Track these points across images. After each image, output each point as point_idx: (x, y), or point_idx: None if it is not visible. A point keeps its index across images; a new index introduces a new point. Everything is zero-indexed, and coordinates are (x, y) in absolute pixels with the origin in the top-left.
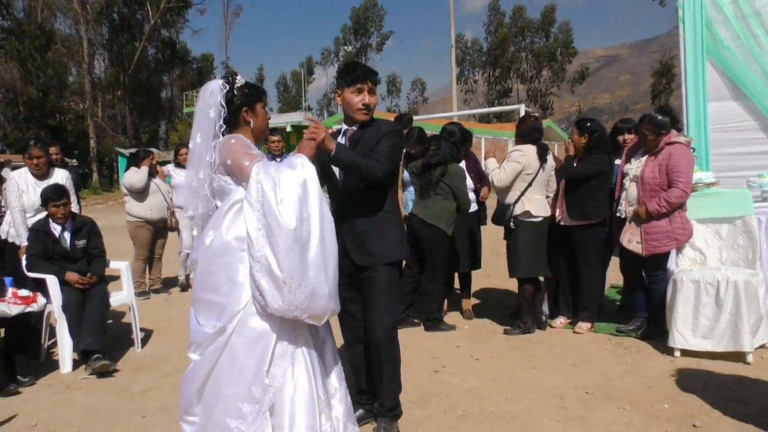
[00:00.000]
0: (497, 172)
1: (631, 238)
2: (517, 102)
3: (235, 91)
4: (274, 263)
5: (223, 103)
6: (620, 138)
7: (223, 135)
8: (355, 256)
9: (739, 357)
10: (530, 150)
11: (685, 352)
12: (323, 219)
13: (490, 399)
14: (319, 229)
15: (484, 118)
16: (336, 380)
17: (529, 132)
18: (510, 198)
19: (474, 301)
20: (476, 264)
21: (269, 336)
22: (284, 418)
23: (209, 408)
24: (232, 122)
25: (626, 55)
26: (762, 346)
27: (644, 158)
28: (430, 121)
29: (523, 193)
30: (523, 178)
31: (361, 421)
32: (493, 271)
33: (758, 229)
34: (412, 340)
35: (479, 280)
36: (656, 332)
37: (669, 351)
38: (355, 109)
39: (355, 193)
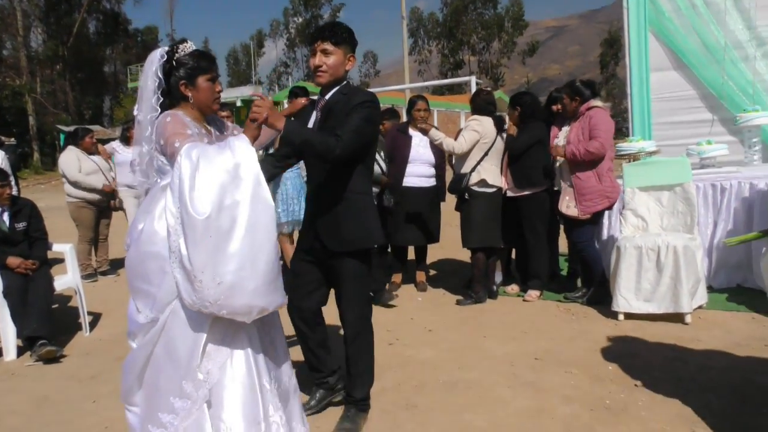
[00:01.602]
0: (459, 140)
1: (569, 204)
2: (469, 74)
3: (174, 62)
4: (185, 255)
5: (160, 75)
6: (554, 107)
7: (163, 110)
8: (326, 241)
9: (678, 318)
10: (487, 120)
11: (629, 315)
12: (256, 207)
13: (443, 369)
14: (248, 218)
15: (437, 90)
16: (286, 375)
17: (483, 106)
18: (466, 167)
19: (430, 273)
20: (433, 238)
21: (200, 330)
22: (222, 411)
23: (148, 398)
24: (172, 96)
25: (575, 26)
26: (700, 307)
27: (568, 127)
28: (382, 94)
29: (479, 162)
30: (480, 147)
31: (323, 400)
32: (448, 242)
33: (696, 195)
34: None
35: (433, 252)
36: (600, 297)
37: (613, 315)
38: (313, 73)
39: (321, 173)
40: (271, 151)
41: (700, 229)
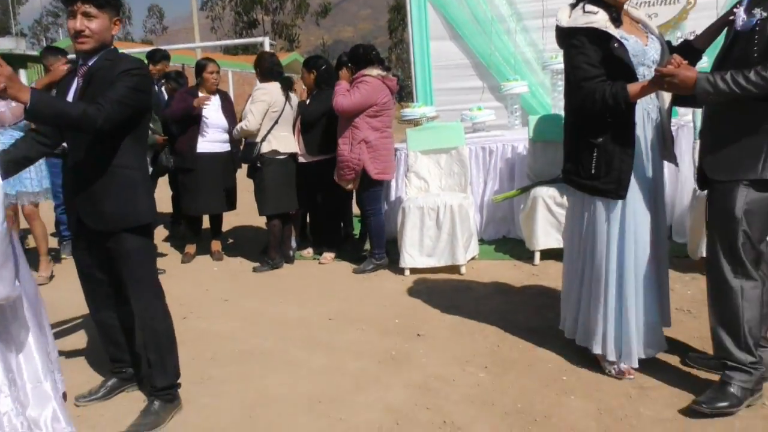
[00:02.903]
0: (248, 117)
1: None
2: (264, 34)
3: None
4: None
5: None
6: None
7: None
8: (87, 220)
9: (455, 270)
10: (273, 87)
11: (414, 270)
12: None
13: (239, 339)
14: None
15: (232, 50)
16: (31, 374)
17: (270, 68)
18: (256, 136)
19: (226, 241)
20: (230, 205)
21: None
22: None
23: None
24: None
25: None
26: (473, 258)
27: None
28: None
29: (269, 131)
30: (269, 116)
31: (114, 390)
32: (244, 209)
33: (469, 157)
34: None
35: (229, 219)
36: (388, 260)
37: (401, 271)
38: (73, 39)
39: (81, 146)
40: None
41: (472, 188)
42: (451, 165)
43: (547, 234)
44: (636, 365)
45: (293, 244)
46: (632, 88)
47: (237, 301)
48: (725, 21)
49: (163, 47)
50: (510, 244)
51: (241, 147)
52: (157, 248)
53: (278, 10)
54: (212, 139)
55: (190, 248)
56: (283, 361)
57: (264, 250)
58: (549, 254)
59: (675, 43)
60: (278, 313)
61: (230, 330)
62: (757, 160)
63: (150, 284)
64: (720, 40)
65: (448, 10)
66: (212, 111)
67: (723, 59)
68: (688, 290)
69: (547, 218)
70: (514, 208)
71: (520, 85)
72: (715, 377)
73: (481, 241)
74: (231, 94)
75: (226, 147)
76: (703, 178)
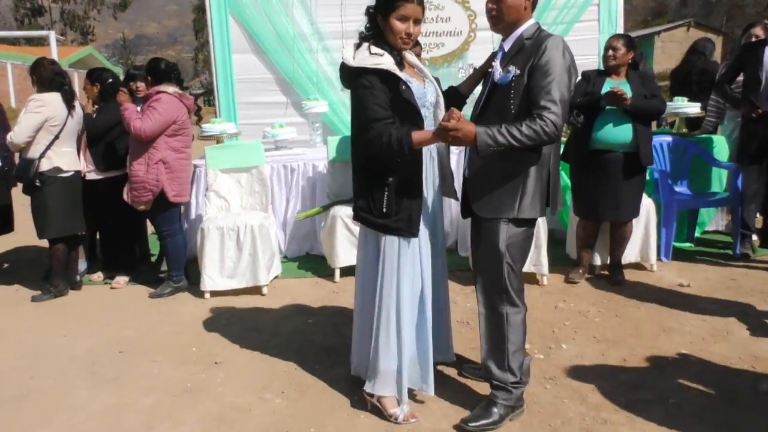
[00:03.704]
0: (15, 128)
1: (127, 191)
2: (51, 24)
3: None
4: None
5: None
6: (132, 85)
7: None
8: None
9: (257, 290)
10: (53, 98)
11: (215, 293)
12: None
13: (12, 381)
14: None
15: (12, 39)
16: None
17: (51, 78)
18: (33, 152)
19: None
20: (4, 227)
21: None
22: None
23: None
24: None
25: None
26: (276, 277)
27: None
28: None
29: (49, 147)
30: (48, 130)
31: None
32: (23, 226)
33: (270, 176)
34: None
35: (6, 241)
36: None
37: (201, 294)
38: None
39: None
40: None
41: (274, 206)
42: (252, 184)
43: (346, 252)
44: (406, 401)
45: (80, 267)
46: (417, 136)
47: (12, 335)
48: (485, 69)
49: None
50: (313, 261)
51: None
52: None
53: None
54: None
55: None
56: (64, 404)
57: (46, 275)
58: (349, 271)
59: (458, 74)
60: (61, 347)
61: (2, 371)
62: (515, 201)
63: None
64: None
65: (250, 25)
66: None
67: (484, 108)
68: (468, 302)
69: (347, 236)
70: (316, 225)
71: (320, 104)
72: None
73: (285, 259)
74: (11, 90)
75: None
76: (465, 208)
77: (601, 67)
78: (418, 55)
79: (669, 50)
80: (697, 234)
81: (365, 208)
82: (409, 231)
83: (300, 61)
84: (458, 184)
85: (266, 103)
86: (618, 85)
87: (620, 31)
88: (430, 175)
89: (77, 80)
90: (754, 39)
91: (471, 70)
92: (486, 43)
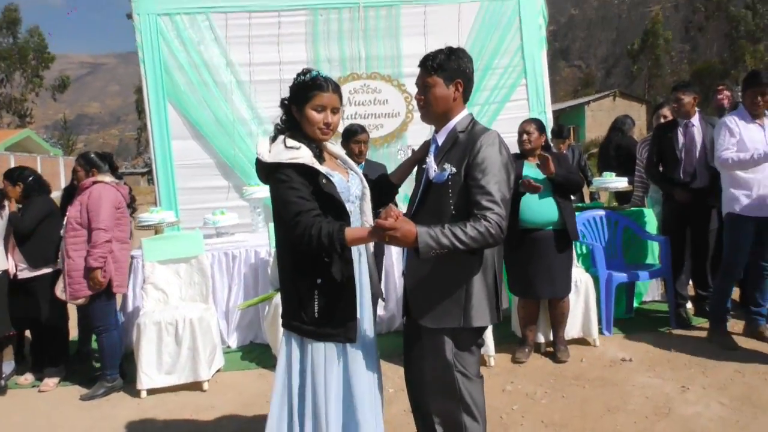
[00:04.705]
0: None
1: (61, 285)
2: None
3: None
4: None
5: None
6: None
7: None
8: None
9: (198, 386)
10: None
11: (152, 391)
12: None
13: None
14: None
15: None
16: None
17: None
18: None
19: None
20: None
21: None
22: None
23: None
24: None
25: (113, 65)
26: (219, 370)
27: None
28: None
29: None
30: None
31: None
32: None
33: (211, 264)
34: None
35: None
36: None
37: (138, 393)
38: None
39: None
40: None
41: (216, 295)
42: (191, 274)
43: None
44: None
45: (6, 369)
46: (350, 233)
47: None
48: (417, 159)
49: None
50: (257, 351)
51: None
52: None
53: (4, 83)
54: None
55: None
56: None
57: None
58: None
59: (397, 155)
60: None
61: None
62: (460, 309)
63: None
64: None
65: (188, 111)
66: None
67: (419, 206)
68: None
69: None
70: (259, 313)
71: (261, 189)
72: None
73: (228, 349)
74: None
75: None
76: (405, 309)
77: (518, 150)
78: (365, 142)
79: (599, 118)
80: (635, 304)
81: (294, 315)
82: (345, 336)
83: (240, 145)
84: (392, 281)
85: (207, 188)
86: (534, 167)
87: (548, 107)
88: (359, 272)
89: (12, 164)
90: (662, 120)
91: (410, 152)
92: (424, 124)
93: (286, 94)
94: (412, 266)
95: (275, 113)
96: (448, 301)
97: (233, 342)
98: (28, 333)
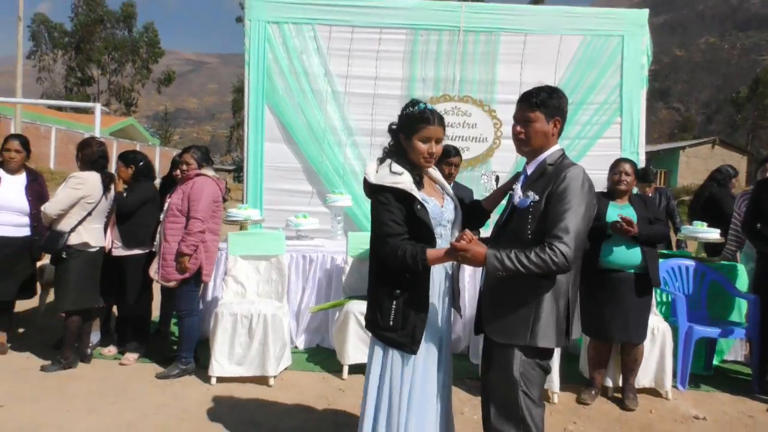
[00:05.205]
0: (52, 201)
1: (155, 266)
2: (98, 94)
3: None
4: None
5: None
6: (175, 173)
7: None
8: None
9: (264, 381)
10: (93, 177)
11: (221, 379)
12: None
13: None
14: None
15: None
16: None
17: (96, 159)
18: (64, 225)
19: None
20: (24, 293)
21: None
22: None
23: None
24: None
25: (215, 64)
26: (286, 368)
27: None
28: None
29: (80, 222)
30: (82, 206)
31: None
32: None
33: (288, 265)
34: None
35: (27, 304)
36: (196, 366)
37: (208, 379)
38: None
39: None
40: None
41: (290, 295)
42: (270, 272)
43: (357, 349)
44: None
45: (93, 339)
46: (431, 254)
47: (14, 406)
48: (508, 188)
49: None
50: (322, 354)
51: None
52: None
53: (116, 72)
54: (5, 222)
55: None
56: None
57: (57, 344)
58: (357, 368)
59: (480, 179)
60: (60, 423)
61: None
62: (527, 329)
63: None
64: None
65: (284, 115)
66: (8, 192)
67: (502, 228)
68: (475, 414)
69: (358, 333)
70: (329, 318)
71: (344, 198)
72: None
73: (295, 349)
74: (52, 153)
75: (25, 231)
76: (478, 325)
77: (605, 189)
78: (457, 165)
79: (693, 165)
80: (715, 362)
81: (373, 320)
82: (410, 347)
83: (328, 153)
84: (462, 305)
85: (292, 191)
86: (622, 209)
87: (642, 148)
88: (442, 288)
89: (115, 149)
90: (767, 175)
91: (493, 177)
92: (510, 151)
93: (378, 108)
94: (489, 283)
95: (364, 125)
96: (517, 318)
97: (301, 343)
98: (115, 309)
